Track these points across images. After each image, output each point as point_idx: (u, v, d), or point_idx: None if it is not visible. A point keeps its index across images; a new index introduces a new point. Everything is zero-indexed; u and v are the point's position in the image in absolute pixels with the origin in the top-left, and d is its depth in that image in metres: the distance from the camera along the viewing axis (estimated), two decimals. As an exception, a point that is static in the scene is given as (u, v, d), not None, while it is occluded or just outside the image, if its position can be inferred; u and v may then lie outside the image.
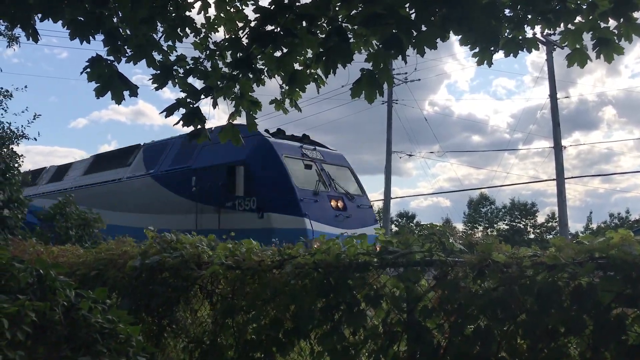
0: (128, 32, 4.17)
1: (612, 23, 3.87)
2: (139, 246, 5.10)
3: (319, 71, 4.26)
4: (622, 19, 3.72)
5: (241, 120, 4.55)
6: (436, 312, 3.12)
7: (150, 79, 4.28)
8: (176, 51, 4.52)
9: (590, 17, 3.86)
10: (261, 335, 3.77)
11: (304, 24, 3.66)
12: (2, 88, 16.94)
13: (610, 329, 2.53)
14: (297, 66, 4.22)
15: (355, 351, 3.41)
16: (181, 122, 4.00)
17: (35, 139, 22.58)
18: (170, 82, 4.24)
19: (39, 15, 3.87)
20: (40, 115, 16.64)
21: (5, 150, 12.38)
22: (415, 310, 3.20)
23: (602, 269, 2.67)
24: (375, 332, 3.30)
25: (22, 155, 12.84)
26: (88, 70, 3.88)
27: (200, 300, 4.59)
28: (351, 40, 4.06)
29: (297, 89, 4.39)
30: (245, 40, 3.92)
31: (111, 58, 3.99)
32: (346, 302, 3.45)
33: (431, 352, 3.04)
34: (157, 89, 4.19)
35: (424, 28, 3.41)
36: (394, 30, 3.34)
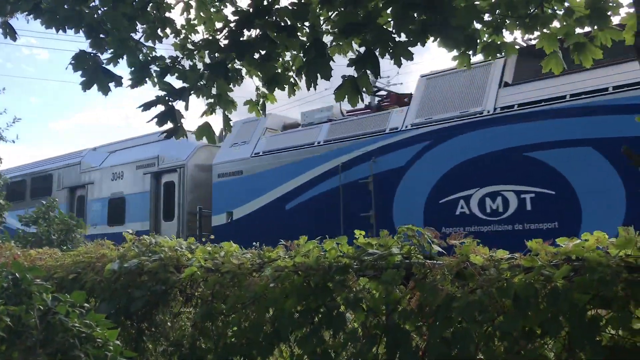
0: (109, 26, 4.15)
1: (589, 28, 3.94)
2: (118, 249, 5.06)
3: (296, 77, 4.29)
4: (595, 26, 3.78)
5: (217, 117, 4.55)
6: (415, 314, 3.13)
7: (130, 78, 4.26)
8: (156, 52, 4.51)
9: (566, 23, 3.92)
10: (241, 338, 3.75)
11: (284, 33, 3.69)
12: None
13: (585, 330, 2.56)
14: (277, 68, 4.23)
15: (335, 354, 3.41)
16: (155, 120, 3.98)
17: (14, 142, 22.39)
18: (149, 80, 4.23)
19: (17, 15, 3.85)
20: (20, 119, 16.57)
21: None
22: (394, 313, 3.21)
23: (578, 271, 2.71)
24: (355, 335, 3.31)
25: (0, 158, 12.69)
26: (73, 63, 3.91)
27: (180, 304, 4.57)
28: (333, 44, 4.09)
29: (274, 91, 4.41)
30: (223, 42, 3.92)
31: (94, 51, 4.01)
32: (326, 305, 3.46)
33: (410, 355, 3.05)
34: (132, 86, 4.16)
35: (403, 36, 3.46)
36: (370, 42, 3.39)
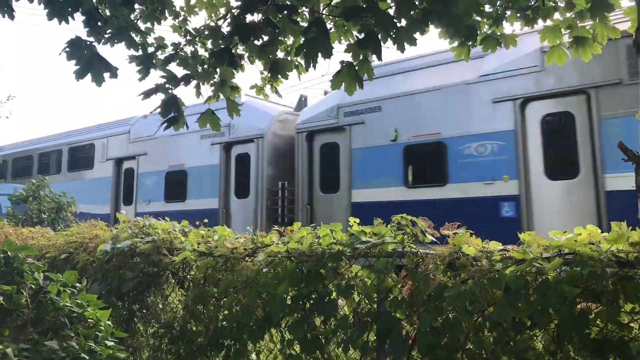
0: (107, 13, 4.10)
1: (588, 22, 3.93)
2: (111, 230, 5.06)
3: (300, 59, 4.26)
4: (597, 19, 3.77)
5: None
6: (406, 303, 3.15)
7: (126, 59, 4.23)
8: (154, 33, 4.48)
9: (568, 16, 3.91)
10: (232, 322, 3.76)
11: (285, 13, 3.65)
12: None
13: (574, 323, 2.58)
14: (279, 53, 4.20)
15: (326, 340, 3.43)
16: (159, 110, 3.97)
17: (7, 118, 22.23)
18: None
19: None
20: (14, 96, 16.43)
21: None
22: (386, 301, 3.23)
23: (569, 265, 2.72)
24: (346, 322, 3.32)
25: None
26: (67, 50, 3.81)
27: (172, 287, 4.57)
28: (331, 30, 4.06)
29: (277, 80, 4.37)
30: (225, 29, 3.90)
31: (91, 39, 3.92)
32: (317, 291, 3.47)
33: (400, 342, 3.07)
34: (140, 79, 4.14)
35: (403, 22, 3.42)
36: (373, 25, 3.34)
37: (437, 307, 2.95)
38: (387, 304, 3.21)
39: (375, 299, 3.32)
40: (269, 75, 4.35)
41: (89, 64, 3.81)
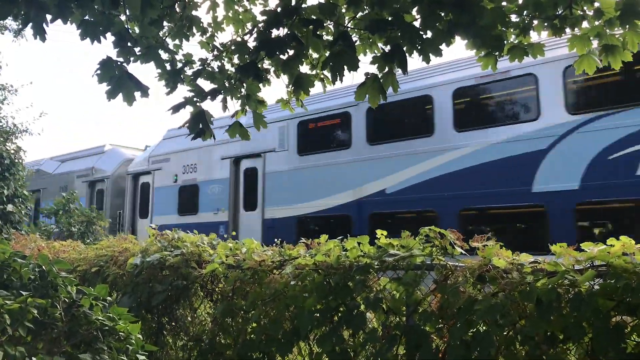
0: (137, 31, 4.18)
1: (618, 30, 3.87)
2: (140, 244, 5.12)
3: (326, 71, 4.28)
4: (627, 27, 3.71)
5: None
6: (435, 316, 3.12)
7: (156, 77, 4.31)
8: (182, 50, 4.55)
9: (597, 24, 3.86)
10: (260, 335, 3.77)
11: (310, 27, 3.67)
12: (7, 83, 17.09)
13: (609, 337, 2.53)
14: (304, 67, 4.24)
15: (354, 353, 3.42)
16: (187, 126, 4.04)
17: (40, 134, 22.78)
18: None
19: (49, 16, 3.85)
20: (47, 113, 16.93)
21: (9, 145, 12.42)
22: (415, 314, 3.21)
23: (602, 277, 2.67)
24: (374, 335, 3.30)
25: (25, 150, 12.93)
26: (99, 72, 3.86)
27: (200, 299, 4.61)
28: (357, 43, 4.08)
29: (300, 96, 4.40)
30: (251, 43, 3.94)
31: (121, 59, 3.98)
32: (346, 304, 3.46)
33: (430, 356, 3.04)
34: (168, 93, 4.22)
35: (429, 34, 3.42)
36: (398, 38, 3.35)
37: (467, 321, 2.92)
38: (416, 317, 3.18)
39: (404, 312, 3.30)
40: (293, 89, 4.39)
41: (120, 83, 3.86)
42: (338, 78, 3.51)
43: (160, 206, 15.52)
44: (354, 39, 3.94)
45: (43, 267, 3.21)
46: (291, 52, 3.75)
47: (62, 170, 18.94)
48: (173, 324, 4.68)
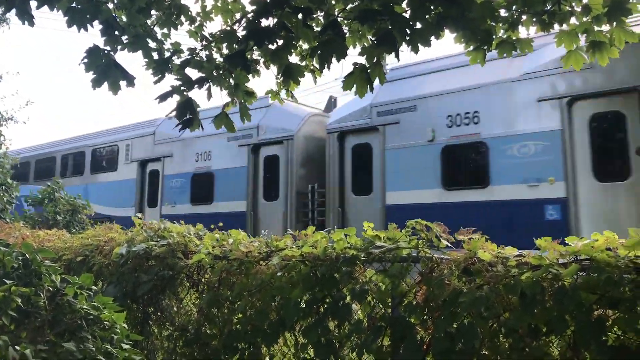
0: (125, 19, 4.14)
1: (605, 26, 3.90)
2: (126, 233, 5.10)
3: (315, 62, 4.27)
4: (615, 23, 3.74)
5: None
6: (420, 308, 3.14)
7: (143, 66, 4.27)
8: (170, 39, 4.52)
9: (584, 20, 3.88)
10: (246, 325, 3.78)
11: (300, 17, 3.66)
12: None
13: (591, 330, 2.56)
14: (293, 58, 4.22)
15: (340, 344, 3.43)
16: (174, 113, 4.00)
17: (25, 123, 22.49)
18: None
19: (35, 3, 3.80)
20: (33, 102, 16.61)
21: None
22: (400, 306, 3.22)
23: (586, 271, 2.70)
24: (360, 326, 3.32)
25: (9, 139, 12.79)
26: (85, 61, 3.83)
27: (186, 290, 4.60)
28: (346, 35, 4.07)
29: (289, 86, 4.39)
30: (240, 33, 3.91)
31: (108, 48, 3.95)
32: (332, 295, 3.47)
33: (414, 348, 3.06)
34: (156, 82, 4.18)
35: (418, 25, 3.42)
36: (388, 27, 3.34)
37: (452, 313, 2.94)
38: (401, 309, 3.20)
39: (390, 304, 3.32)
40: (282, 79, 4.37)
41: (106, 72, 3.83)
42: (326, 66, 3.49)
43: (399, 178, 10.64)
44: (344, 30, 3.93)
45: (27, 255, 3.18)
46: (280, 42, 3.73)
47: (197, 133, 15.87)
48: (159, 313, 4.67)
